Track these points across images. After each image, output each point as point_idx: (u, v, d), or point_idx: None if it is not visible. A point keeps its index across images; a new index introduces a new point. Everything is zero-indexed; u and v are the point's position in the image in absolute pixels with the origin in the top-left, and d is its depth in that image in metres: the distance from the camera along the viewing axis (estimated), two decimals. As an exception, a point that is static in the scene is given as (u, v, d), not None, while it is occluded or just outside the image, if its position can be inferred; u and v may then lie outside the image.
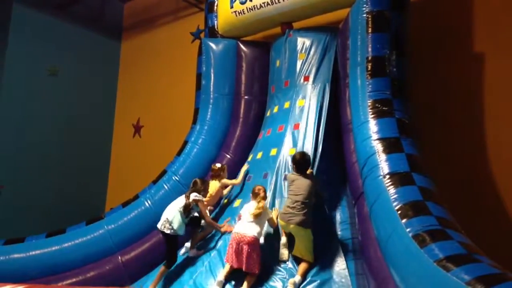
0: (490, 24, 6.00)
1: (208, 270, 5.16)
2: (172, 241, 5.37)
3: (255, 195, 5.14)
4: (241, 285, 4.78)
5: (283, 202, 5.29)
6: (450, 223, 3.77)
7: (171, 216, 5.33)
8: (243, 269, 4.80)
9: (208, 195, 5.87)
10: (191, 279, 5.13)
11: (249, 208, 5.07)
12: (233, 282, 4.90)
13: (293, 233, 4.93)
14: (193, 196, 5.44)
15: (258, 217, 4.96)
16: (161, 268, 5.39)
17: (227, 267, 4.95)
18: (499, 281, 2.77)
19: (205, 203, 5.66)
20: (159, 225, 5.38)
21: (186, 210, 5.38)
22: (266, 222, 5.14)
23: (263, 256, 4.97)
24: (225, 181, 6.12)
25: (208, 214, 5.67)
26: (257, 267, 4.83)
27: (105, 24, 10.52)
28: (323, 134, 5.77)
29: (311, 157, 5.44)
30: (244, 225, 4.97)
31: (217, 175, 6.17)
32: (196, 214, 5.56)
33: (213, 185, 6.06)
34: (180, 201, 5.46)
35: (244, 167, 6.15)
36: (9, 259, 6.08)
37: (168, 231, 5.28)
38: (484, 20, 6.05)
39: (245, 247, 4.82)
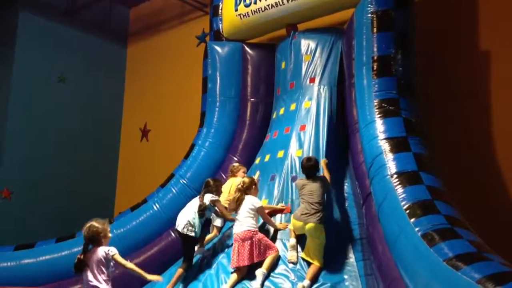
0: (495, 23, 5.97)
1: (217, 272, 5.16)
2: (192, 243, 5.38)
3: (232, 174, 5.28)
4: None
5: (292, 204, 5.31)
6: (459, 221, 3.76)
7: (192, 218, 5.31)
8: (247, 263, 4.84)
9: (228, 194, 5.84)
10: (200, 282, 5.14)
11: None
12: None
13: (307, 234, 4.92)
14: (209, 197, 5.40)
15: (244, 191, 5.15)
16: (178, 270, 5.36)
17: (232, 277, 4.92)
18: (510, 279, 2.75)
19: (221, 202, 5.60)
20: (179, 228, 5.30)
21: (201, 211, 5.35)
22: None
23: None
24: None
25: (227, 212, 5.61)
26: (265, 254, 4.89)
27: (111, 29, 10.59)
28: (329, 135, 5.76)
29: (320, 158, 5.46)
30: (238, 224, 5.08)
31: (237, 173, 6.14)
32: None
33: (234, 183, 5.96)
34: (196, 203, 5.43)
35: (256, 175, 6.05)
36: (20, 264, 6.13)
37: (192, 234, 5.25)
38: (489, 19, 6.02)
39: (246, 243, 4.90)
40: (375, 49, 5.35)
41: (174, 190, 6.71)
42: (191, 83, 8.62)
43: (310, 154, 5.56)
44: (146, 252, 6.37)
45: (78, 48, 9.86)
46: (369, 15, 5.45)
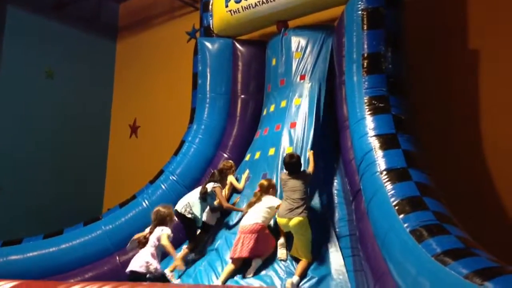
0: (486, 20, 6.01)
1: (208, 266, 5.18)
2: (192, 224, 5.54)
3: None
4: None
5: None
6: (447, 217, 3.79)
7: (192, 201, 5.53)
8: (246, 255, 4.90)
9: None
10: (190, 278, 5.14)
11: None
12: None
13: (293, 231, 4.94)
14: (211, 185, 5.61)
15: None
16: (183, 249, 5.54)
17: (228, 267, 4.96)
18: (497, 274, 2.77)
19: (222, 190, 5.73)
20: (178, 208, 5.50)
21: (203, 194, 5.55)
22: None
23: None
24: (232, 179, 6.09)
25: (225, 200, 5.74)
26: (266, 250, 4.98)
27: (101, 24, 10.49)
28: (319, 132, 5.77)
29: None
30: (248, 217, 5.13)
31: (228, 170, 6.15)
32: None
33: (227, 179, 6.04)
34: (199, 189, 5.68)
35: (246, 173, 6.09)
36: (6, 260, 6.08)
37: (189, 215, 5.48)
38: (480, 16, 6.07)
39: (251, 236, 4.95)
40: (365, 46, 5.37)
41: (163, 187, 6.69)
42: (181, 79, 8.58)
43: (301, 151, 5.58)
44: (135, 248, 6.32)
45: (66, 43, 9.75)
46: (360, 12, 5.47)
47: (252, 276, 4.85)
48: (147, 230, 4.97)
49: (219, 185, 5.65)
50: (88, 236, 6.38)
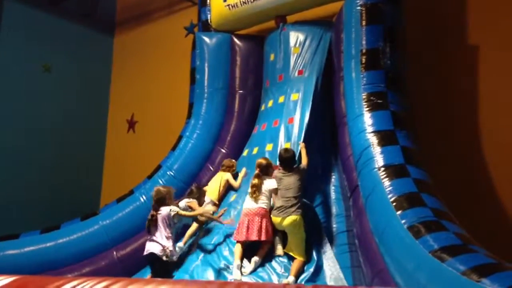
0: (486, 17, 6.00)
1: (204, 262, 5.17)
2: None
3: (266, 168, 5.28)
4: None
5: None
6: (445, 214, 3.80)
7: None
8: (256, 238, 4.90)
9: (218, 191, 5.90)
10: (187, 274, 5.13)
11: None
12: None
13: (287, 230, 4.95)
14: (185, 201, 5.54)
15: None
16: (193, 224, 5.62)
17: (237, 248, 4.99)
18: (494, 271, 2.79)
19: (194, 202, 5.61)
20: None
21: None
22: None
23: None
24: (229, 177, 6.04)
25: (198, 208, 5.59)
26: (270, 235, 4.97)
27: (98, 19, 10.42)
28: (316, 128, 5.76)
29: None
30: (249, 200, 5.12)
31: (228, 168, 6.13)
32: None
33: (224, 177, 6.02)
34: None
35: (243, 171, 6.05)
36: (3, 255, 6.06)
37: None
38: (480, 12, 6.05)
39: (257, 218, 4.96)
40: (363, 42, 5.35)
41: (161, 182, 6.65)
42: (179, 74, 8.54)
43: (297, 146, 5.57)
44: (132, 243, 6.32)
45: (64, 37, 9.69)
46: (358, 7, 5.45)
47: (250, 274, 4.83)
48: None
49: (194, 200, 5.58)
50: (86, 231, 6.36)
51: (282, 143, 5.77)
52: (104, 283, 2.11)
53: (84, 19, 10.12)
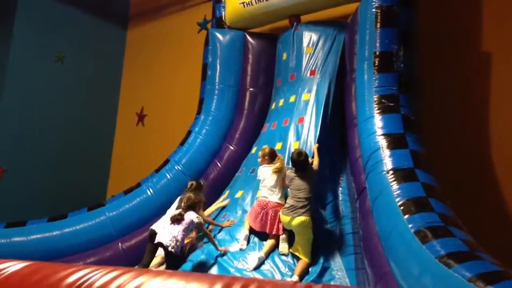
0: (500, 22, 5.96)
1: (208, 256, 5.20)
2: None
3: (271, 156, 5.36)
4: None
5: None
6: (452, 220, 3.77)
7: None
8: (267, 231, 5.03)
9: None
10: (192, 265, 5.16)
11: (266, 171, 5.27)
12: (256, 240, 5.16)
13: (295, 230, 4.94)
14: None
15: (278, 173, 5.21)
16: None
17: (246, 225, 5.19)
18: (500, 279, 2.77)
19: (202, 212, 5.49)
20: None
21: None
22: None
23: None
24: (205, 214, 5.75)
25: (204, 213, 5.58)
26: (281, 231, 5.05)
27: (112, 11, 10.47)
28: (326, 129, 5.75)
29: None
30: (267, 191, 5.20)
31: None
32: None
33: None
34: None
35: (224, 203, 5.99)
36: (10, 242, 6.11)
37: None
38: (493, 18, 6.02)
39: (270, 212, 5.07)
40: (377, 45, 5.33)
41: (168, 176, 6.70)
42: (190, 70, 8.56)
43: (307, 146, 5.57)
44: (137, 236, 6.36)
45: (77, 28, 9.74)
46: (373, 10, 5.42)
47: (253, 270, 4.85)
48: (178, 211, 5.18)
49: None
50: (92, 221, 6.41)
51: (292, 142, 5.77)
52: (114, 273, 2.12)
53: (98, 11, 10.17)
